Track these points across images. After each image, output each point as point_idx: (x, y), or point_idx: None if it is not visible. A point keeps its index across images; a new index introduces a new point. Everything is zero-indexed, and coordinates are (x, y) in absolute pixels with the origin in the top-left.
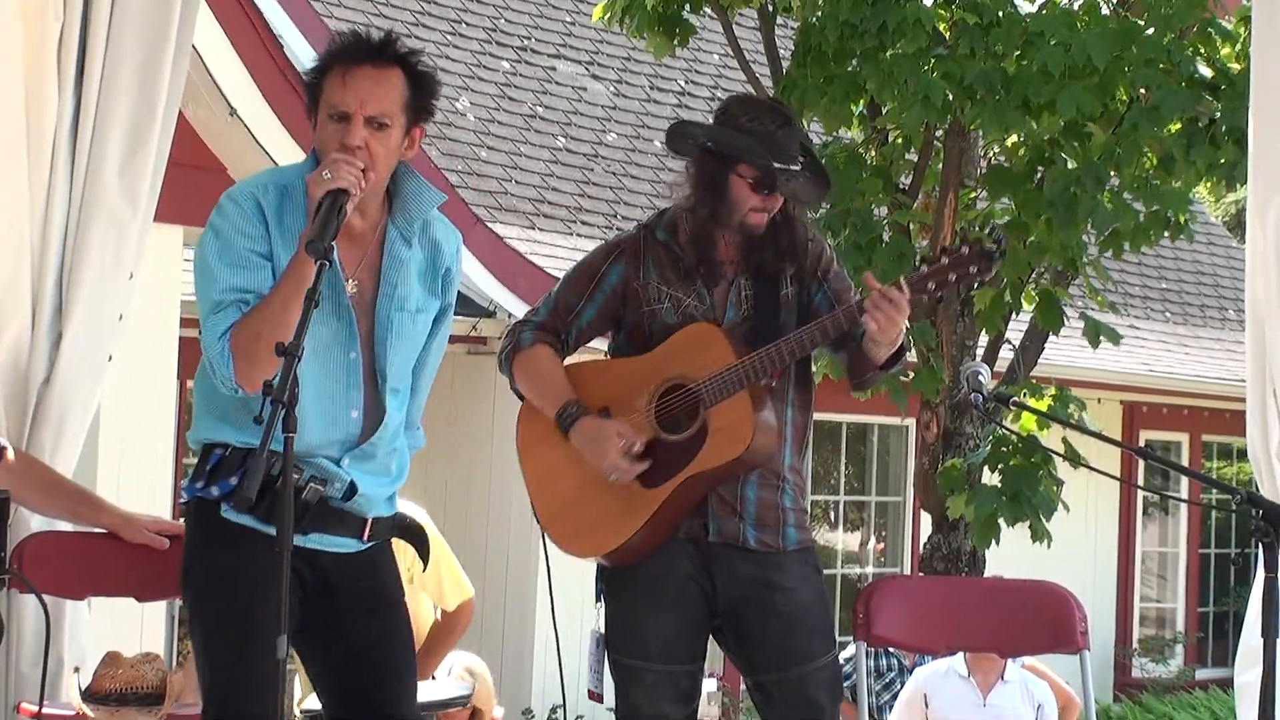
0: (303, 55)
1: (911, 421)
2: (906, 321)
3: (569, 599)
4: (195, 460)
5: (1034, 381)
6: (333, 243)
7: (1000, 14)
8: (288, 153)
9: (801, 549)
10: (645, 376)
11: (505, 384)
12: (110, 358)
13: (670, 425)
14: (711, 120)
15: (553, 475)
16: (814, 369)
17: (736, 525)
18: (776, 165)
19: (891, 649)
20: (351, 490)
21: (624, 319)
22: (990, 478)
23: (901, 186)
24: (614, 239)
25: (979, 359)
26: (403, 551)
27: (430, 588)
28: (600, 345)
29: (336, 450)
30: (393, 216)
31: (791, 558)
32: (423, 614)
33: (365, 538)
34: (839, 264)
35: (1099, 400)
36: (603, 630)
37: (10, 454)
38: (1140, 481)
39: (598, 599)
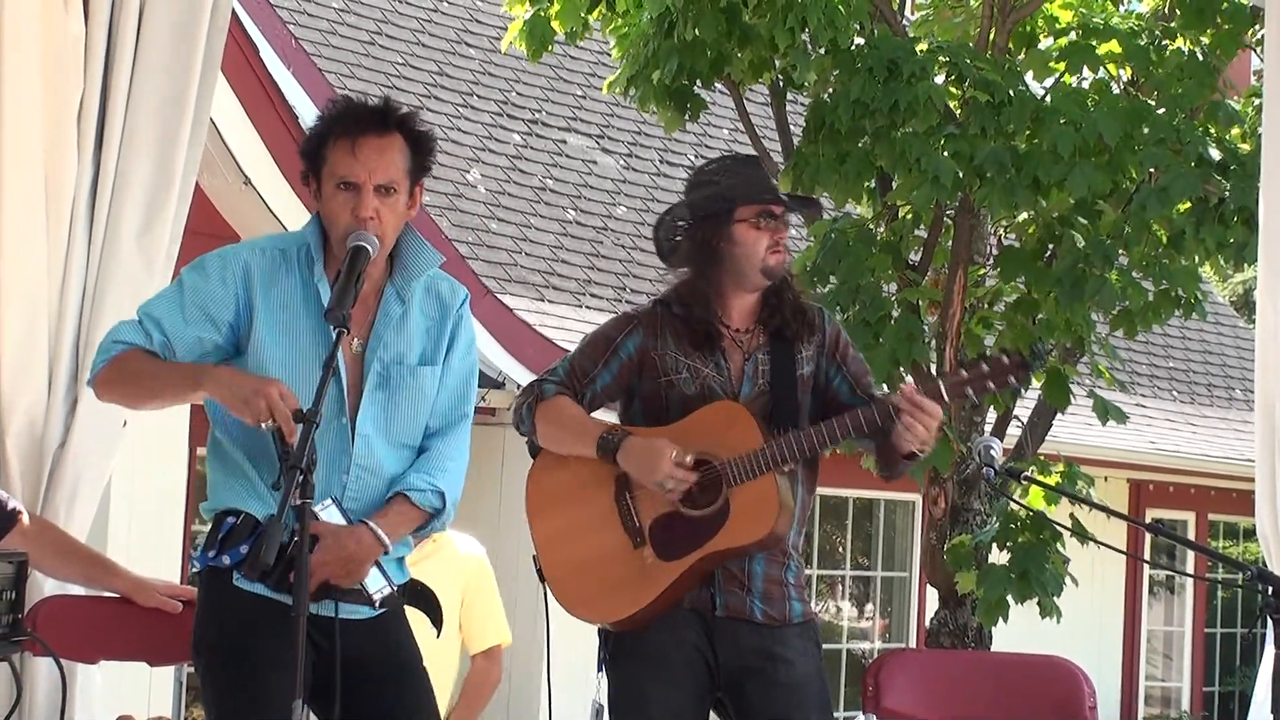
0: None
1: (918, 496)
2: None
3: (572, 665)
4: (208, 529)
5: (1042, 458)
6: (349, 311)
7: (1011, 93)
8: (300, 221)
9: (804, 622)
10: None
11: (515, 455)
12: (125, 423)
13: (689, 499)
14: (685, 195)
15: (564, 538)
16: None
17: (744, 600)
18: (769, 195)
19: None
20: None
21: (639, 388)
22: (998, 554)
23: (911, 263)
24: (629, 312)
25: (988, 434)
26: (453, 583)
27: (473, 624)
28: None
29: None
30: (392, 277)
31: (794, 631)
32: (448, 664)
33: (377, 605)
34: (853, 345)
35: (1105, 478)
36: (603, 701)
37: (25, 518)
38: (1147, 559)
39: (600, 668)
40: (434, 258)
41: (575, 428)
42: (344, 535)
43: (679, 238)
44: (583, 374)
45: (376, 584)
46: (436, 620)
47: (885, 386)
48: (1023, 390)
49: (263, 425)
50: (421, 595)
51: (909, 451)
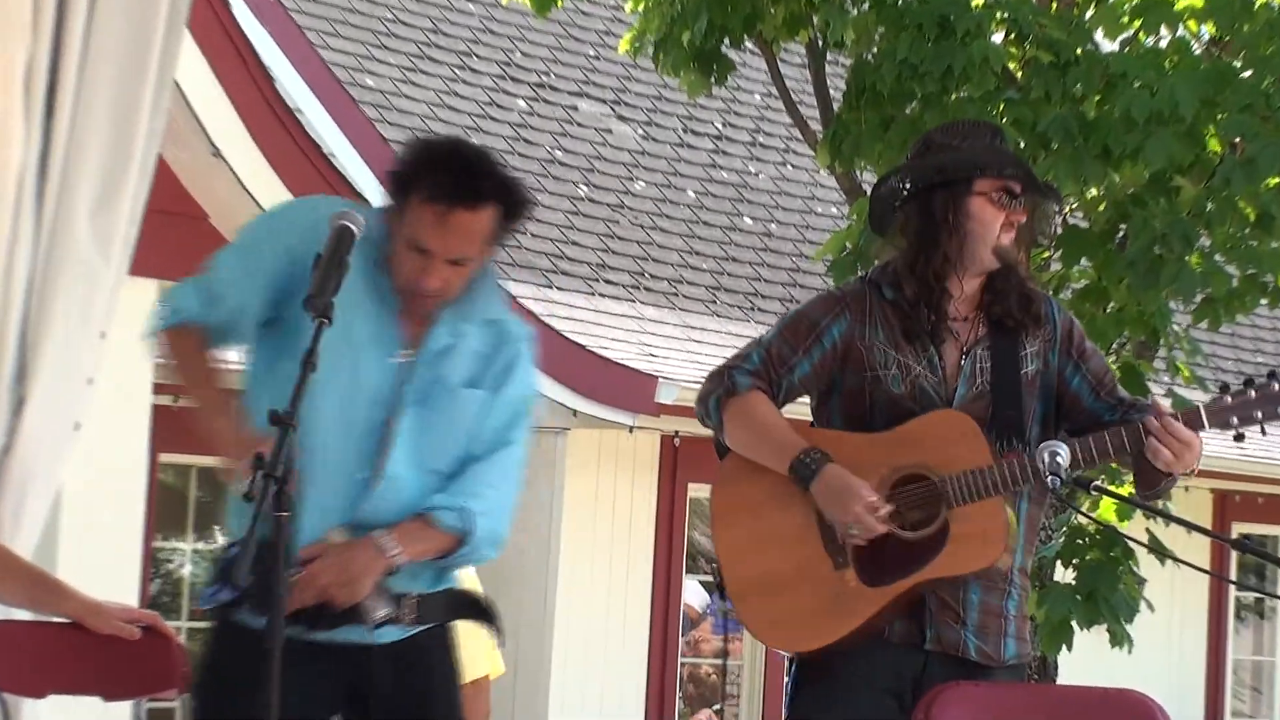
0: (294, 90)
1: None
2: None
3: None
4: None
5: (1114, 466)
6: (333, 299)
7: (1078, 52)
8: (276, 197)
9: (1018, 665)
10: (878, 457)
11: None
12: (78, 426)
13: (896, 518)
14: (910, 159)
15: (753, 550)
16: None
17: (958, 633)
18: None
19: None
20: None
21: (841, 381)
22: (1064, 573)
23: None
24: (837, 291)
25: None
26: None
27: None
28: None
29: (340, 518)
30: (455, 302)
31: (1006, 674)
32: None
33: (411, 620)
34: (1089, 339)
35: (1186, 489)
36: None
37: None
38: (1234, 579)
39: (790, 694)
40: (499, 308)
41: (770, 438)
42: (345, 547)
43: (898, 205)
44: (781, 362)
45: (379, 607)
46: (496, 628)
47: None
48: None
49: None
50: (469, 605)
51: (1170, 472)
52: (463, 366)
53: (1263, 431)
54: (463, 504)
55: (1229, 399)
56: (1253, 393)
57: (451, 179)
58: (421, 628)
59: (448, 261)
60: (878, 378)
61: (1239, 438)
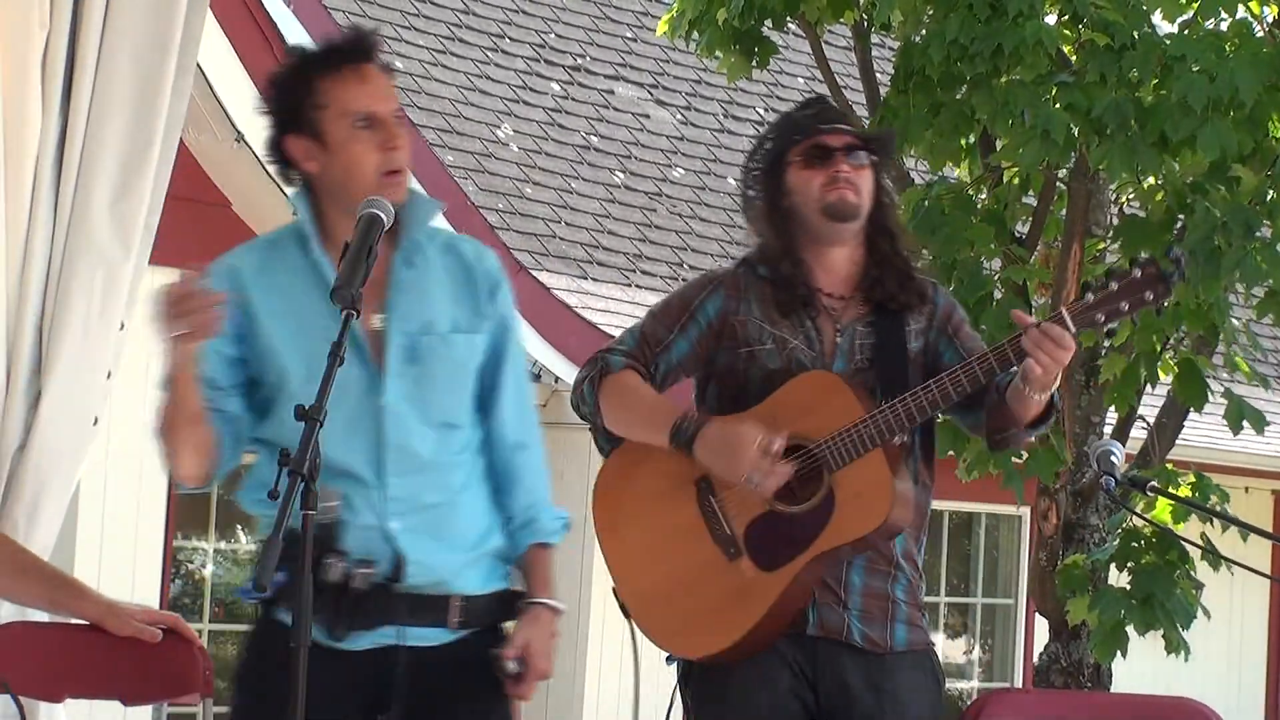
0: None
1: (1026, 511)
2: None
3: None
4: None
5: (1170, 466)
6: (360, 290)
7: (1135, 35)
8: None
9: (913, 651)
10: None
11: (551, 460)
12: (96, 421)
13: (787, 494)
14: None
15: (644, 557)
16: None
17: (840, 617)
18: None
19: None
20: (399, 564)
21: (717, 360)
22: (1118, 577)
23: (1017, 235)
24: (710, 273)
25: (1107, 438)
26: None
27: None
28: None
29: (374, 517)
30: (396, 242)
31: (904, 661)
32: None
33: (456, 624)
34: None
35: (1246, 490)
36: None
37: None
38: None
39: (683, 705)
40: (431, 205)
41: (645, 411)
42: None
43: (758, 203)
44: (656, 341)
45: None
46: None
47: None
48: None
49: None
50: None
51: (1031, 416)
52: (444, 310)
53: (1133, 323)
54: (561, 513)
55: (1091, 296)
56: (1114, 285)
57: (339, 45)
58: (465, 632)
59: (396, 123)
60: (753, 354)
61: (1109, 334)
